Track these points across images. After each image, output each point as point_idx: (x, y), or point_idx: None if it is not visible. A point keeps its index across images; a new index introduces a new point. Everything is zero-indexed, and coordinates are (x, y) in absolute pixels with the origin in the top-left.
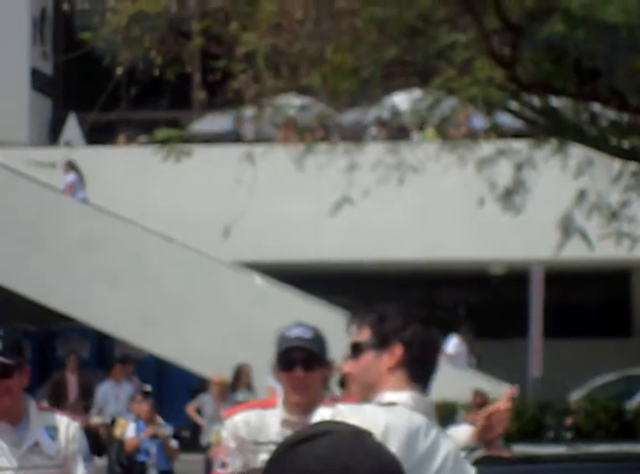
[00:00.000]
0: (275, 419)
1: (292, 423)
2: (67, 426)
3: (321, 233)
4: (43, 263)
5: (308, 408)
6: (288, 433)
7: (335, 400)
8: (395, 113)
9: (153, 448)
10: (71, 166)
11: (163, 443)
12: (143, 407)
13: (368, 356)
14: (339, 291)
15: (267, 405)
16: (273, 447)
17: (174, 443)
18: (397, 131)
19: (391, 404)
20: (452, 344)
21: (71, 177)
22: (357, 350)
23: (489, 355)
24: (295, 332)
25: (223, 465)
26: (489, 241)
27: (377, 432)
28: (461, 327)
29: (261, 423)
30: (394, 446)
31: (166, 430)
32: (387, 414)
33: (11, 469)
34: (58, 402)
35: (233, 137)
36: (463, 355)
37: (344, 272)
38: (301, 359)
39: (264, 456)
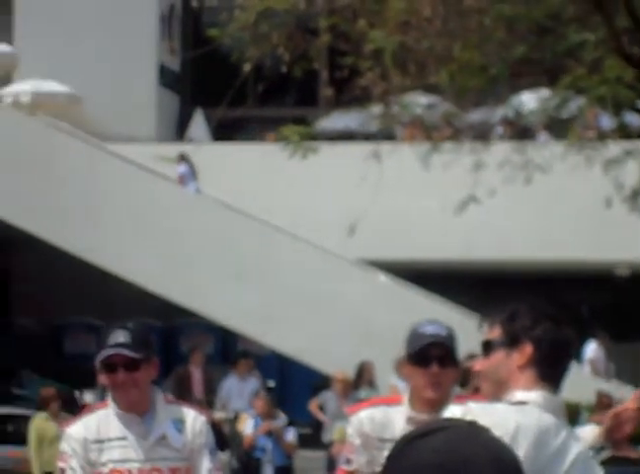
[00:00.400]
0: (400, 416)
1: (418, 420)
2: (194, 419)
3: (446, 232)
4: (169, 257)
5: (437, 406)
6: None
7: (466, 398)
8: (519, 112)
9: (269, 445)
10: (183, 158)
11: (278, 439)
12: (259, 403)
13: (499, 355)
14: (462, 290)
15: (392, 402)
16: None
17: (291, 438)
18: (523, 131)
19: (521, 403)
20: (591, 348)
21: (182, 168)
22: (488, 348)
23: (612, 358)
24: (431, 329)
25: (348, 462)
26: (614, 242)
27: (508, 431)
28: (599, 332)
29: (386, 419)
30: (524, 446)
31: (280, 423)
32: (518, 413)
33: (138, 461)
34: (183, 396)
35: (359, 135)
36: (602, 361)
37: (468, 271)
38: (438, 356)
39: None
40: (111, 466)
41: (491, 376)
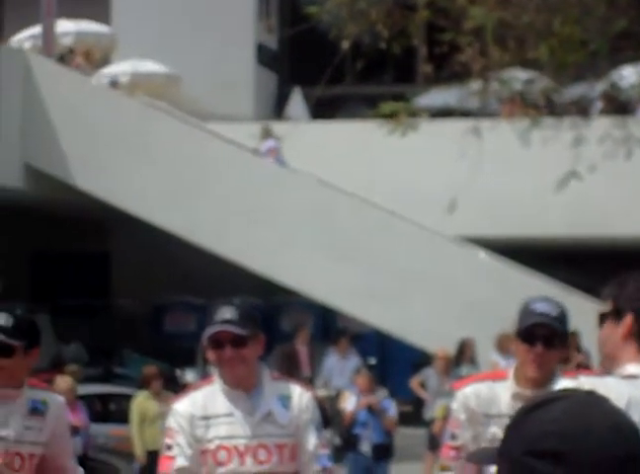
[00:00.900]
0: (505, 391)
1: (524, 396)
2: (300, 395)
3: (546, 208)
4: (269, 236)
5: (542, 383)
6: (519, 405)
7: (577, 372)
8: (619, 86)
9: (370, 421)
10: (268, 132)
11: (379, 414)
12: (361, 379)
13: (608, 328)
14: (562, 267)
15: (497, 377)
16: (503, 420)
17: (392, 413)
18: (623, 105)
19: (633, 377)
20: None
21: (270, 142)
22: (601, 321)
23: None
24: (541, 307)
25: (453, 437)
26: None
27: (620, 404)
28: None
29: (491, 395)
30: (636, 419)
31: (379, 398)
32: (629, 387)
33: (244, 437)
34: (290, 373)
35: (458, 112)
36: None
37: (568, 247)
38: (544, 336)
39: (494, 429)
40: (217, 442)
41: (601, 349)
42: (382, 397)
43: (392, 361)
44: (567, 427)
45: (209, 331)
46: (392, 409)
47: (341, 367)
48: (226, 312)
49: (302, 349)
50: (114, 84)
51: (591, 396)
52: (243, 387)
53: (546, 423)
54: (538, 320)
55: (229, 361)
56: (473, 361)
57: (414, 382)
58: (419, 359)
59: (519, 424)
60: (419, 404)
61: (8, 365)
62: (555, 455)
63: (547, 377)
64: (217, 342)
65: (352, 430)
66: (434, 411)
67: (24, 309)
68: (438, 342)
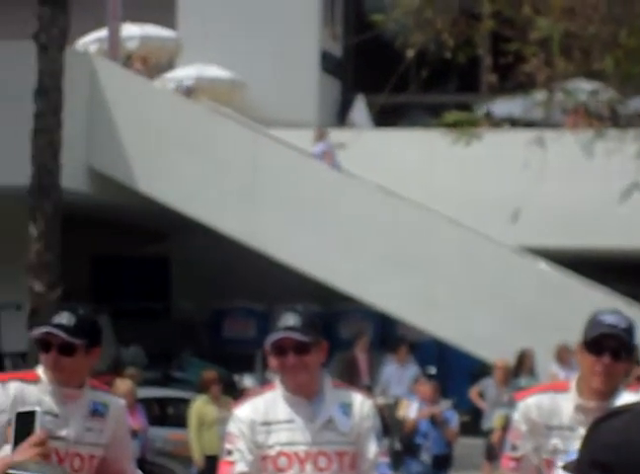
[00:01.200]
0: (568, 403)
1: (587, 408)
2: (361, 403)
3: (608, 219)
4: (330, 243)
5: (606, 395)
6: (581, 418)
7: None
8: None
9: (431, 431)
10: (322, 134)
11: (440, 425)
12: (426, 388)
13: None
14: (623, 279)
15: (559, 388)
16: (565, 432)
17: (454, 426)
18: None
19: None
20: None
21: (323, 145)
22: None
23: None
24: (610, 318)
25: (513, 448)
26: None
27: None
28: None
29: (554, 406)
30: None
31: (443, 409)
32: None
33: (304, 444)
34: (350, 381)
35: (522, 122)
36: None
37: (629, 259)
38: (612, 348)
39: (555, 440)
40: (278, 449)
41: None
42: (445, 407)
43: (451, 371)
44: (627, 438)
45: (273, 337)
46: (454, 420)
47: (399, 376)
48: (289, 319)
49: (362, 356)
50: (188, 91)
51: None
52: (305, 394)
53: (610, 434)
54: (607, 331)
55: (292, 368)
56: (532, 372)
57: (473, 392)
58: (478, 369)
59: (588, 435)
60: (477, 414)
61: (69, 364)
62: (605, 467)
63: (612, 389)
64: (280, 348)
65: (412, 438)
66: (492, 421)
67: (86, 308)
68: (497, 352)
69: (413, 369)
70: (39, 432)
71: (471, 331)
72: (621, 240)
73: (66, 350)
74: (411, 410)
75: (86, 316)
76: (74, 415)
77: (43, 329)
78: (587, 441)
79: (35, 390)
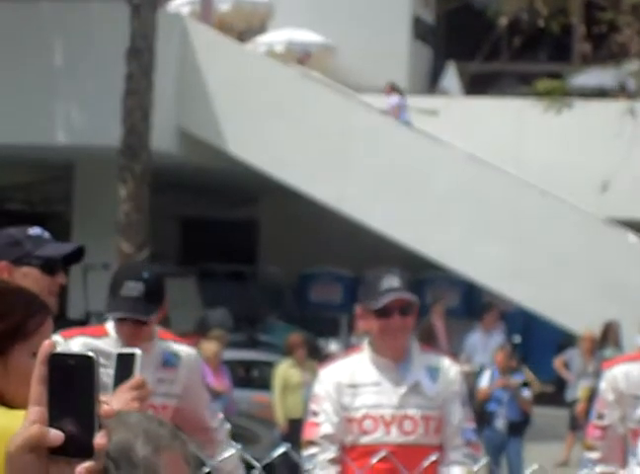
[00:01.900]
0: None
1: None
2: (448, 368)
3: None
4: (418, 210)
5: None
6: None
7: None
8: None
9: (505, 398)
10: (393, 88)
11: (514, 394)
12: (500, 356)
13: None
14: None
15: None
16: None
17: (526, 394)
18: None
19: None
20: None
21: (395, 99)
22: None
23: None
24: None
25: (600, 417)
26: None
27: None
28: None
29: None
30: None
31: (517, 379)
32: None
33: (390, 407)
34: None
35: (614, 92)
36: None
37: None
38: None
39: None
40: (363, 411)
41: None
42: (520, 379)
43: (536, 341)
44: None
45: (381, 298)
46: (526, 391)
47: (484, 343)
48: (393, 280)
49: (439, 323)
50: (302, 59)
51: None
52: (393, 357)
53: None
54: None
55: (396, 330)
56: (617, 344)
57: (558, 362)
58: (563, 340)
59: None
60: (561, 384)
61: (144, 332)
62: None
63: None
64: (386, 310)
65: (485, 406)
66: (576, 391)
67: (150, 270)
68: (583, 323)
69: (498, 338)
70: (137, 374)
71: (558, 301)
72: None
73: (140, 323)
74: (483, 378)
75: (152, 280)
76: (145, 367)
77: (117, 314)
78: None
79: (102, 345)
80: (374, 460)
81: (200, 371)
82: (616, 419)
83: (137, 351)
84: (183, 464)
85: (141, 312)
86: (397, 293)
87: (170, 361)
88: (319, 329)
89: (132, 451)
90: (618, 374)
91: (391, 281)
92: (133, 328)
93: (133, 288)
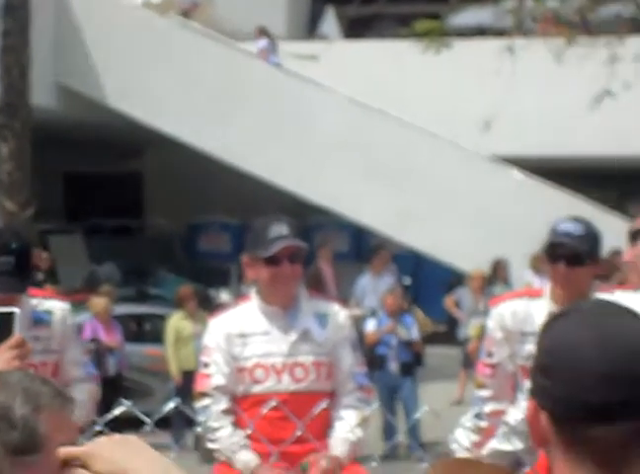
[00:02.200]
0: (541, 309)
1: None
2: (337, 313)
3: (580, 127)
4: (303, 156)
5: (573, 300)
6: None
7: (614, 288)
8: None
9: (393, 341)
10: (262, 31)
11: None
12: (389, 299)
13: None
14: (596, 186)
15: (533, 295)
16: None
17: (415, 336)
18: None
19: None
20: None
21: (263, 42)
22: (635, 238)
23: None
24: (564, 227)
25: (489, 355)
26: None
27: None
28: None
29: (527, 313)
30: None
31: (404, 330)
32: None
33: (280, 355)
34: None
35: (492, 30)
36: None
37: (601, 167)
38: (565, 256)
39: (530, 346)
40: (254, 360)
41: (638, 265)
42: (409, 323)
43: (426, 281)
44: (557, 342)
45: (271, 247)
46: (414, 333)
47: (374, 287)
48: (282, 228)
49: (326, 268)
50: (190, 9)
51: (606, 308)
52: (282, 305)
53: (547, 337)
54: (558, 240)
55: (287, 278)
56: (507, 281)
57: (448, 301)
58: (453, 279)
59: (539, 337)
60: (453, 323)
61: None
62: (544, 371)
63: (580, 295)
64: (275, 258)
65: (375, 350)
66: (468, 330)
67: (17, 238)
68: (471, 261)
69: (388, 280)
70: (17, 333)
71: (446, 241)
72: (594, 147)
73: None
74: (369, 323)
75: (23, 252)
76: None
77: None
78: (537, 345)
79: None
80: (265, 410)
81: (73, 323)
82: (505, 356)
83: (16, 309)
84: (66, 422)
85: (16, 288)
86: (286, 241)
87: (43, 319)
88: (209, 279)
89: (10, 411)
90: (505, 312)
91: (280, 229)
92: (7, 299)
93: (3, 264)
